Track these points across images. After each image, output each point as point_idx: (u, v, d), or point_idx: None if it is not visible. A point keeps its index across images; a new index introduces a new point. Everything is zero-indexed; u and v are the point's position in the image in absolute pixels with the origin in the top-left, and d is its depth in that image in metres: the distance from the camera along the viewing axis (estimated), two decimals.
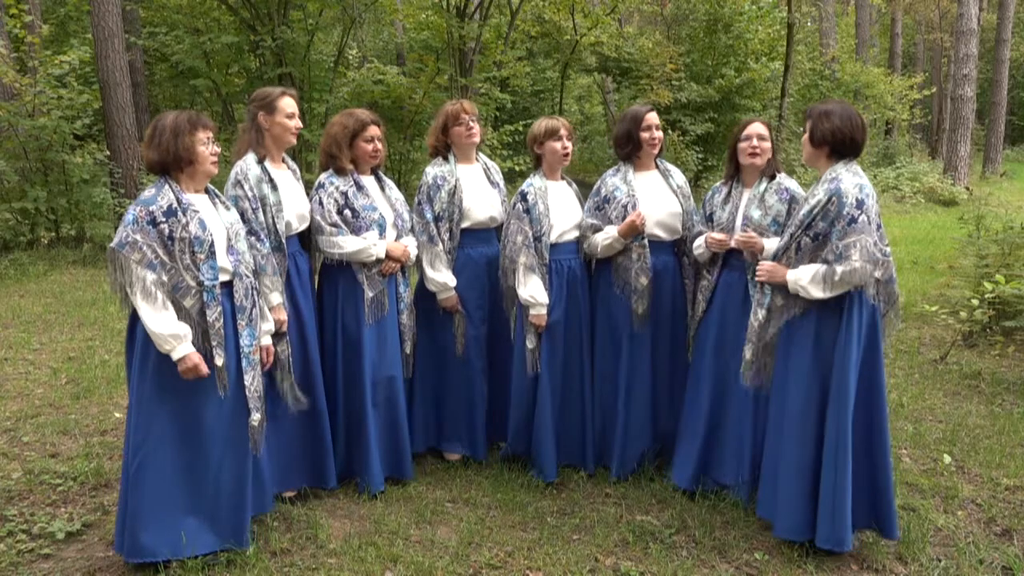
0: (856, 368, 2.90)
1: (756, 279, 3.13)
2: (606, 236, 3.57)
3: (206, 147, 2.84)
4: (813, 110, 3.02)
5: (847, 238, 2.83)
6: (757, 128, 3.39)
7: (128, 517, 2.79)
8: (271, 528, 3.19)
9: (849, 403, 2.88)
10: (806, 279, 2.90)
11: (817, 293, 2.88)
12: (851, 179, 2.88)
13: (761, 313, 3.10)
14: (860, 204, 2.84)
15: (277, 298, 3.18)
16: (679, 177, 3.75)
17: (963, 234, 7.24)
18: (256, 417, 2.92)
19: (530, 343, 3.58)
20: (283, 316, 3.21)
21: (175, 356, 2.71)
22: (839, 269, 2.84)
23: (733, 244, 3.36)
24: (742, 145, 3.40)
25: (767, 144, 3.38)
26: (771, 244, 3.25)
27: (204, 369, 2.75)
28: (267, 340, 3.10)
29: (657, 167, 3.75)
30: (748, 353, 3.17)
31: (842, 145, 2.94)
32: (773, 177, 3.40)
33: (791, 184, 3.38)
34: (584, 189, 3.89)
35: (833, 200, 2.85)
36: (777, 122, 15.62)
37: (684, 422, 3.61)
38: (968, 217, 7.30)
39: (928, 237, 11.35)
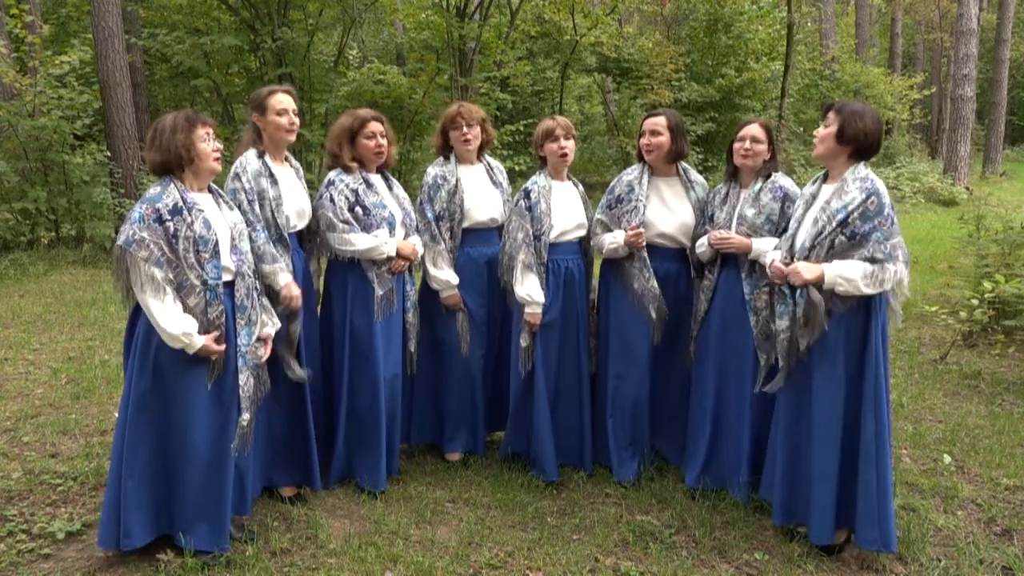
0: (887, 364, 2.92)
1: (775, 281, 3.01)
2: (613, 241, 3.59)
3: (207, 143, 2.84)
4: (844, 107, 2.98)
5: (893, 239, 2.85)
6: (752, 130, 3.39)
7: (121, 506, 2.79)
8: (271, 528, 3.19)
9: (885, 401, 2.90)
10: (856, 275, 2.82)
11: (867, 290, 2.84)
12: (878, 180, 2.90)
13: (783, 323, 3.03)
14: (891, 205, 2.88)
15: (286, 277, 3.16)
16: (700, 190, 3.68)
17: (963, 234, 7.22)
18: (246, 417, 2.92)
19: (523, 341, 3.58)
20: (296, 292, 3.18)
21: (191, 351, 2.74)
22: (892, 268, 2.83)
23: (712, 242, 3.37)
24: (736, 146, 3.41)
25: (761, 146, 3.37)
26: (762, 244, 3.26)
27: (219, 347, 2.79)
28: (269, 329, 3.07)
29: (680, 174, 3.71)
30: (768, 359, 3.20)
31: (868, 148, 2.95)
32: (769, 176, 3.41)
33: (785, 182, 3.38)
34: (584, 190, 3.89)
35: (872, 200, 2.84)
36: (777, 122, 15.62)
37: (691, 422, 3.61)
38: (968, 217, 7.29)
39: (928, 237, 11.34)
